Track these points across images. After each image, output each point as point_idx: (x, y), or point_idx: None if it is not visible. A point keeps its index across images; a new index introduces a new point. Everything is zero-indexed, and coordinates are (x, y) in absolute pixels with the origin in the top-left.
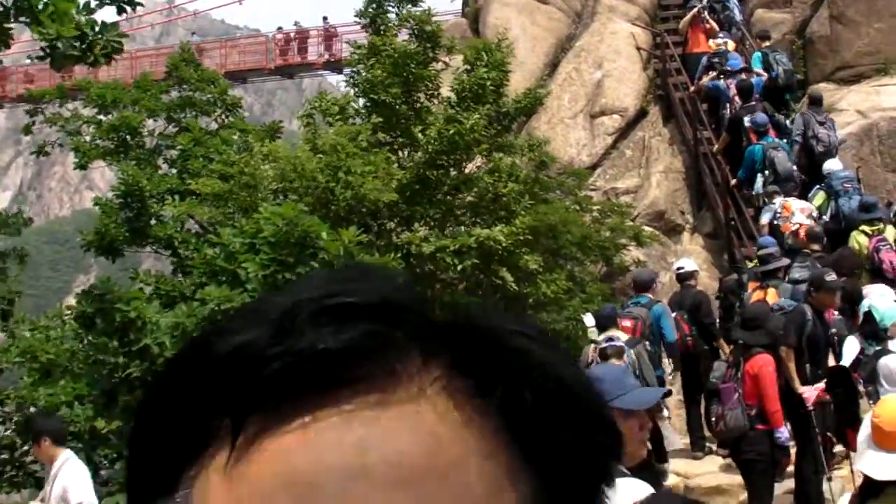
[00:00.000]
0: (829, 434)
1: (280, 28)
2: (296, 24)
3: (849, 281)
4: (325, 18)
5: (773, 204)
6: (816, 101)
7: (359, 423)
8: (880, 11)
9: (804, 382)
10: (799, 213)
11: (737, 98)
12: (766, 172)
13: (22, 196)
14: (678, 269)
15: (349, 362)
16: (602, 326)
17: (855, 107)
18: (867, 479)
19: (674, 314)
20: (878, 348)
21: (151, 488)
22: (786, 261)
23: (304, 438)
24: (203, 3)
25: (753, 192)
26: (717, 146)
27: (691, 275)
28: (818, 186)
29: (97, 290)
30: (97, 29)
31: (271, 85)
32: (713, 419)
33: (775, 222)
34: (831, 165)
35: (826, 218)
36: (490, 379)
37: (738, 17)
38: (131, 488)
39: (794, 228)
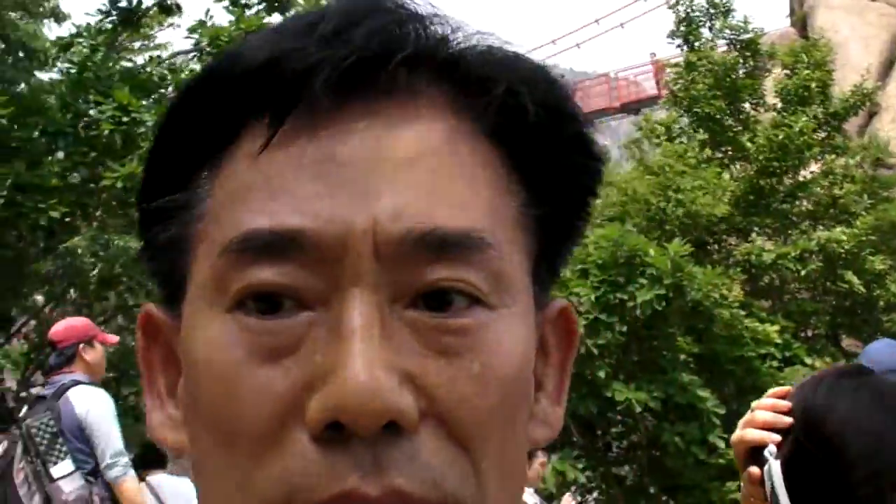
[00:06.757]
0: None
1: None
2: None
3: None
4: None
5: None
6: None
7: (385, 119)
8: None
9: None
10: None
11: None
12: None
13: None
14: None
15: (382, 71)
16: None
17: None
18: None
19: None
20: None
21: (166, 186)
22: None
23: (335, 130)
24: None
25: None
26: None
27: None
28: None
29: None
30: None
31: None
32: None
33: None
34: None
35: None
36: (488, 89)
37: None
38: (146, 189)
39: None
